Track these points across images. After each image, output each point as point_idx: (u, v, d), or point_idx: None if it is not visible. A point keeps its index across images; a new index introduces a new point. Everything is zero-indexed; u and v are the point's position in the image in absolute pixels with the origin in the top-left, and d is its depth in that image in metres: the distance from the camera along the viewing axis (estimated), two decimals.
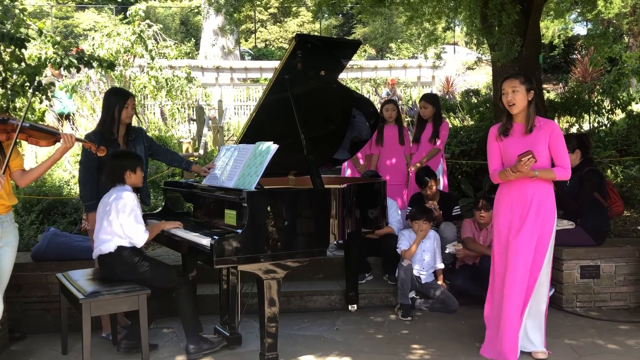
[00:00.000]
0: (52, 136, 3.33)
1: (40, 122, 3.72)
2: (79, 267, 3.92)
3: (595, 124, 8.48)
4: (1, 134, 3.16)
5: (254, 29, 27.01)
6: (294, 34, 5.54)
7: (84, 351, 3.23)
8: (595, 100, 8.61)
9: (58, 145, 3.35)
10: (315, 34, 25.95)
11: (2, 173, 3.09)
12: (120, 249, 3.52)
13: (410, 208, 5.23)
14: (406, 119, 8.92)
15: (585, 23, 15.69)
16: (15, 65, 4.70)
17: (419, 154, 5.74)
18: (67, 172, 6.89)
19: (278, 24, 29.05)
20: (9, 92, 4.65)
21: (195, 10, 26.69)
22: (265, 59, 22.10)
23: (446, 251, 4.79)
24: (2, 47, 4.64)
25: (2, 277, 3.29)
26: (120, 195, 3.51)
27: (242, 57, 22.33)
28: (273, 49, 26.04)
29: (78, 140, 3.40)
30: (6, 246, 3.29)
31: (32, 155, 7.38)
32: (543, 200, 3.52)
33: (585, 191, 4.55)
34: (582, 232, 4.60)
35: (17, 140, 3.20)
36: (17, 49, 4.58)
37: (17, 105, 4.92)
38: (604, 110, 8.41)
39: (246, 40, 26.58)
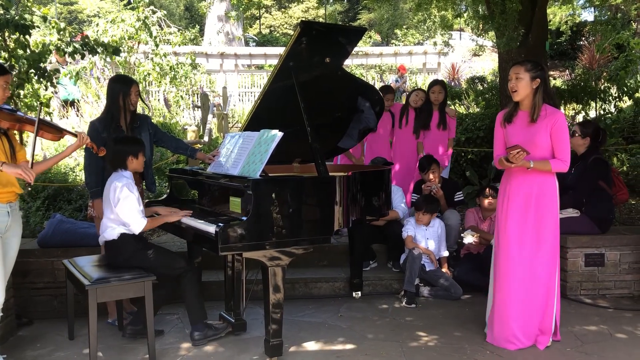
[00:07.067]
0: (58, 132, 3.36)
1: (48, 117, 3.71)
2: (85, 254, 3.94)
3: (602, 111, 8.43)
4: (12, 123, 3.16)
5: (258, 15, 26.88)
6: (299, 20, 5.51)
7: (90, 336, 3.25)
8: (602, 88, 8.55)
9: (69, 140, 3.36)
10: (320, 20, 25.82)
11: (31, 166, 3.12)
12: (123, 236, 3.53)
13: (415, 195, 5.24)
14: None
15: (592, 9, 15.50)
16: (20, 52, 4.69)
17: (429, 141, 5.74)
18: (72, 159, 6.91)
19: (283, 9, 28.90)
20: (15, 79, 4.64)
21: None
22: (270, 45, 22.01)
23: (465, 241, 4.76)
24: (6, 34, 4.62)
25: (7, 266, 3.30)
26: (117, 183, 3.50)
27: (247, 44, 22.25)
28: (278, 35, 25.93)
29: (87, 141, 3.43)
30: (14, 237, 3.31)
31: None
32: (542, 191, 3.49)
33: (587, 180, 4.50)
34: (587, 220, 4.58)
35: (17, 131, 3.22)
36: (21, 36, 4.56)
37: (22, 92, 4.91)
38: (610, 98, 8.36)
39: (250, 27, 26.47)
